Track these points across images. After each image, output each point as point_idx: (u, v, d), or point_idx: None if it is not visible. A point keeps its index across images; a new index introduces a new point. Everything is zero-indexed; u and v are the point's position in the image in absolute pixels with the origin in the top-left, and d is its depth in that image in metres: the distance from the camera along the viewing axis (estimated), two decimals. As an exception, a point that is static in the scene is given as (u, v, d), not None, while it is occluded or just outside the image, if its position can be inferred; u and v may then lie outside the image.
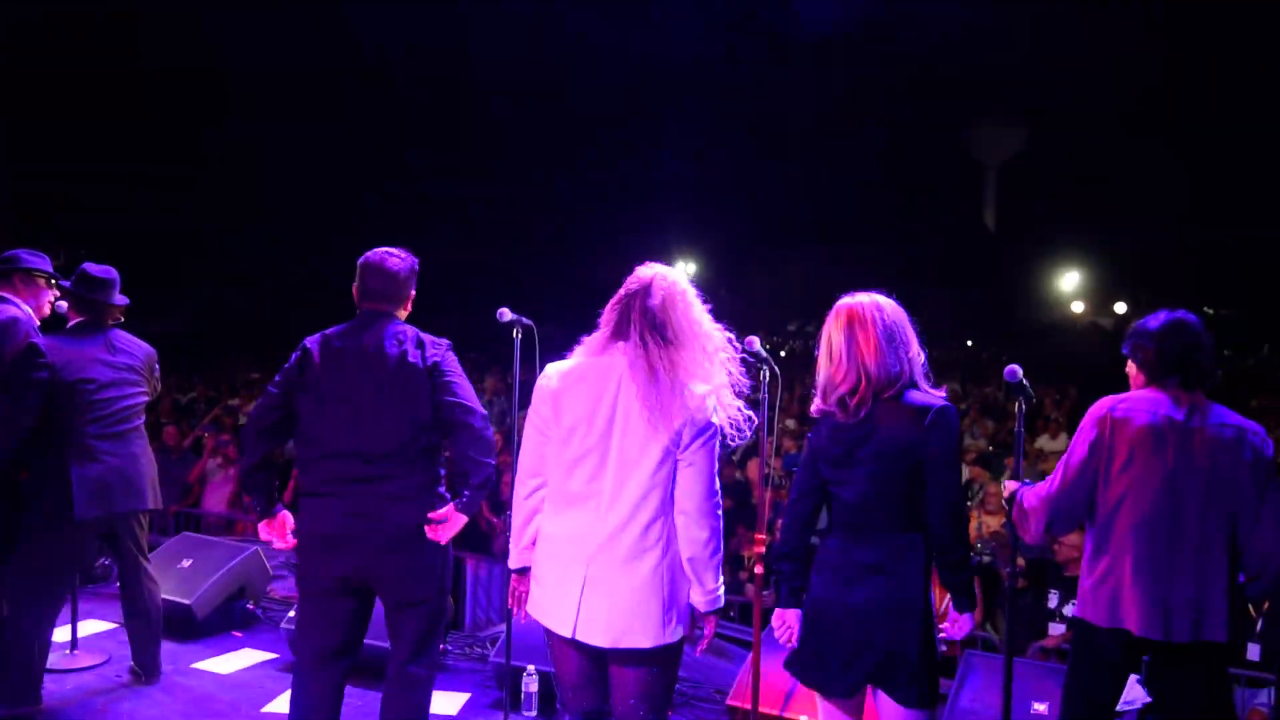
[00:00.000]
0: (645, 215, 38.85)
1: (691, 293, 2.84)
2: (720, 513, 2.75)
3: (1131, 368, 3.18)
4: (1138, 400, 3.03)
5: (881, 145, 41.24)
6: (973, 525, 7.22)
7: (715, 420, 2.73)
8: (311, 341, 3.34)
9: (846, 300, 2.88)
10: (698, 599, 2.76)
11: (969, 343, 36.69)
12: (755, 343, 3.34)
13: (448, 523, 3.30)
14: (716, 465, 2.75)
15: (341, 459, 3.21)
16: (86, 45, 26.97)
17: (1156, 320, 3.11)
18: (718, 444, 2.75)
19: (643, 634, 2.67)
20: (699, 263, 44.29)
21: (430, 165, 34.48)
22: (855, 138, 41.13)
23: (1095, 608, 3.02)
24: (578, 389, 2.76)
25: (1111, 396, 3.10)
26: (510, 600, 3.02)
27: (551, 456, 2.81)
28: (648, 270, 2.85)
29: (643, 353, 2.70)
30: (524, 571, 2.94)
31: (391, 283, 3.38)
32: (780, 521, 6.59)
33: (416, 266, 3.47)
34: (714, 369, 2.79)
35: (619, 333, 2.78)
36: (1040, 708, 3.87)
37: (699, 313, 2.82)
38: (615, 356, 2.75)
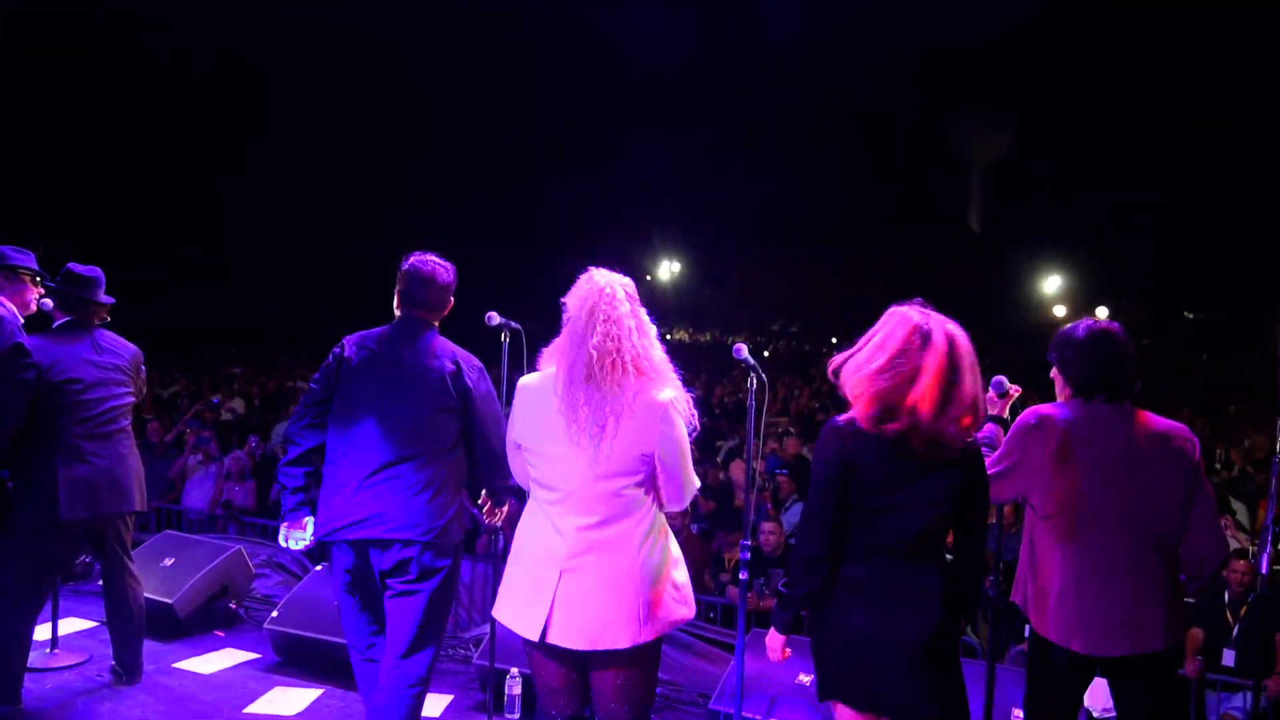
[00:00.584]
0: (631, 215, 38.90)
1: (614, 298, 2.77)
2: (695, 490, 2.86)
3: (1057, 376, 3.14)
4: (1063, 414, 2.99)
5: (866, 146, 41.41)
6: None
7: (677, 423, 2.75)
8: (350, 342, 3.47)
9: (946, 324, 2.63)
10: None
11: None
12: (743, 350, 3.36)
13: (490, 507, 3.62)
14: (687, 461, 2.79)
15: (369, 463, 3.34)
16: (84, 47, 26.85)
17: (1081, 331, 3.05)
18: (685, 444, 2.78)
19: (618, 635, 2.70)
20: (683, 262, 44.36)
21: (414, 165, 34.39)
22: (840, 139, 41.28)
23: (1038, 620, 3.03)
24: (536, 402, 2.81)
25: (1036, 409, 3.06)
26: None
27: (529, 466, 2.87)
28: (578, 282, 2.85)
29: (570, 370, 2.74)
30: None
31: (441, 295, 3.53)
32: (765, 525, 6.63)
33: (455, 274, 3.61)
34: (656, 374, 2.77)
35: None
36: (1019, 714, 3.90)
37: (614, 322, 2.75)
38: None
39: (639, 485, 2.74)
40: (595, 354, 2.69)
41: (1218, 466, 11.11)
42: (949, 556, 2.68)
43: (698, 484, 2.88)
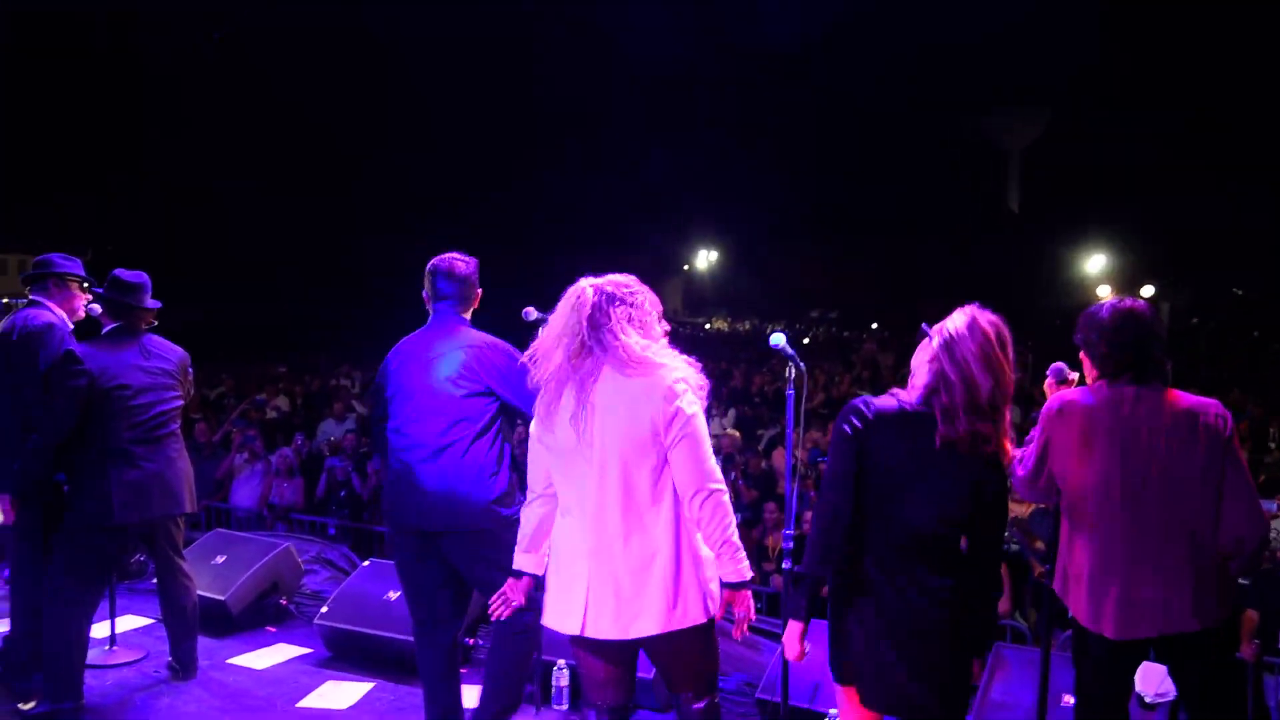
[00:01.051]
0: (671, 207, 38.86)
1: (583, 300, 2.77)
2: (722, 488, 2.76)
3: (1085, 359, 3.05)
4: (1086, 399, 2.93)
5: (900, 134, 40.98)
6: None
7: (687, 404, 2.71)
8: (392, 352, 3.71)
9: (992, 320, 2.69)
10: (725, 574, 2.79)
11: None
12: (780, 340, 3.33)
13: None
14: (705, 446, 2.74)
15: (416, 455, 3.55)
16: (88, 47, 27.22)
17: (1105, 310, 2.96)
18: (699, 426, 2.74)
19: (648, 621, 2.72)
20: (721, 251, 44.24)
21: (414, 165, 34.41)
22: (878, 124, 40.89)
23: (1074, 605, 2.98)
24: (553, 399, 2.82)
25: (1060, 395, 3.01)
26: (494, 603, 3.05)
27: (552, 466, 2.88)
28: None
29: (555, 372, 2.77)
30: (519, 575, 3.00)
31: (462, 285, 3.68)
32: (808, 514, 6.60)
33: (477, 266, 3.75)
34: (647, 363, 2.73)
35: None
36: (1071, 700, 3.86)
37: (584, 321, 2.74)
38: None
39: (653, 471, 2.72)
40: (573, 353, 2.73)
41: (1271, 446, 10.88)
42: (962, 566, 2.65)
43: (719, 472, 2.78)
